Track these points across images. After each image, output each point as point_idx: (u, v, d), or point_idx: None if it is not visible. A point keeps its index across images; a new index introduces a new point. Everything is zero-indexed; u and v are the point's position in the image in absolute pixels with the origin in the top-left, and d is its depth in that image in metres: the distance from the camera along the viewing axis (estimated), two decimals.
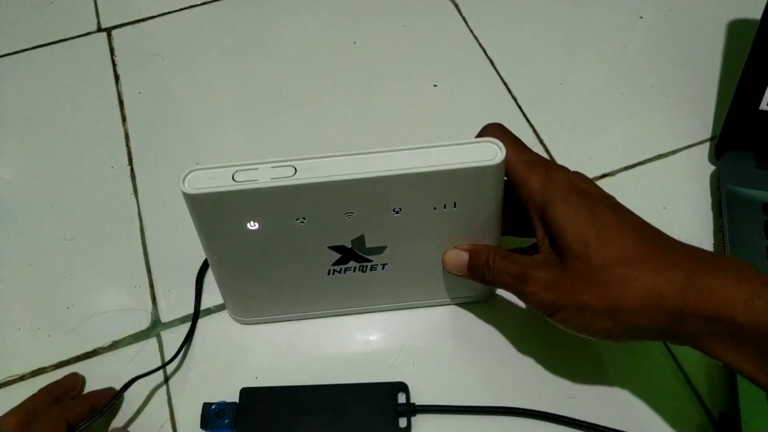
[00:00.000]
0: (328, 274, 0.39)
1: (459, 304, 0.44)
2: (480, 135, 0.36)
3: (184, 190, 0.33)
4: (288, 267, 0.38)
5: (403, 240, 0.37)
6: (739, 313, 0.29)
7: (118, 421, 0.40)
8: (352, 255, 0.38)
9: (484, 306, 0.44)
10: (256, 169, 0.33)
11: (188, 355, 0.42)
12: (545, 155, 0.50)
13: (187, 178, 0.34)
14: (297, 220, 0.35)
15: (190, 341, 0.43)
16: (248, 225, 0.35)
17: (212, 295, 0.44)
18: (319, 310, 0.43)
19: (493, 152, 0.33)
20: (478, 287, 0.43)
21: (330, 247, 0.37)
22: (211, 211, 0.34)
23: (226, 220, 0.35)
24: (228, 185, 0.33)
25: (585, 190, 0.34)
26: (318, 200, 0.34)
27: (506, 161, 0.34)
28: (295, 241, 0.36)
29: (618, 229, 0.32)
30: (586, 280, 0.32)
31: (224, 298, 0.43)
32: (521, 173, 0.35)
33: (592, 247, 0.32)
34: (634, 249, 0.31)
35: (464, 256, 0.38)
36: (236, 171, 0.33)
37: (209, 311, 0.44)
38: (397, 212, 0.35)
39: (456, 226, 0.37)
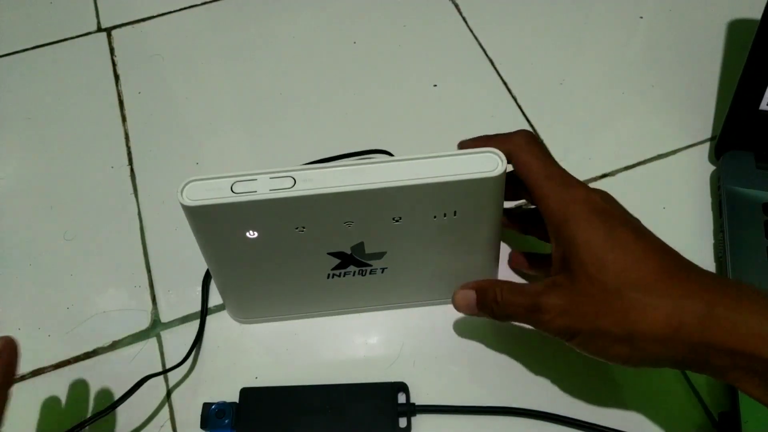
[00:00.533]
0: (328, 278, 0.39)
1: None
2: (507, 138, 0.36)
3: (183, 202, 0.33)
4: (287, 272, 0.39)
5: (402, 246, 0.37)
6: (763, 348, 0.28)
7: (120, 423, 0.40)
8: (352, 260, 0.38)
9: None
10: (255, 179, 0.33)
11: (188, 355, 0.42)
12: None
13: (185, 190, 0.33)
14: (296, 229, 0.35)
15: (200, 344, 0.43)
16: (247, 234, 0.35)
17: (212, 295, 0.44)
18: (318, 310, 0.43)
19: (494, 163, 0.33)
20: None
21: (329, 253, 0.37)
22: (210, 222, 0.34)
23: (224, 229, 0.35)
24: (227, 197, 0.33)
25: (607, 211, 0.33)
26: (317, 211, 0.34)
27: (528, 172, 0.34)
28: (295, 248, 0.36)
29: (637, 254, 0.31)
30: (602, 305, 0.31)
31: (223, 299, 0.43)
32: (542, 187, 0.34)
33: (609, 272, 0.31)
34: (653, 275, 0.31)
35: (471, 296, 0.37)
36: (235, 182, 0.33)
37: (209, 311, 0.44)
38: (397, 221, 0.35)
39: (456, 234, 0.37)
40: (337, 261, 0.38)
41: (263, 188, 0.33)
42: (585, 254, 0.32)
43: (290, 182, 0.33)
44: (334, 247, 0.37)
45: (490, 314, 0.36)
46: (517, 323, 0.35)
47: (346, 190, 0.33)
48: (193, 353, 0.42)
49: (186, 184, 0.33)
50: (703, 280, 0.31)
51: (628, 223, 0.33)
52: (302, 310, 0.43)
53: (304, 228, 0.35)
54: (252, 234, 0.35)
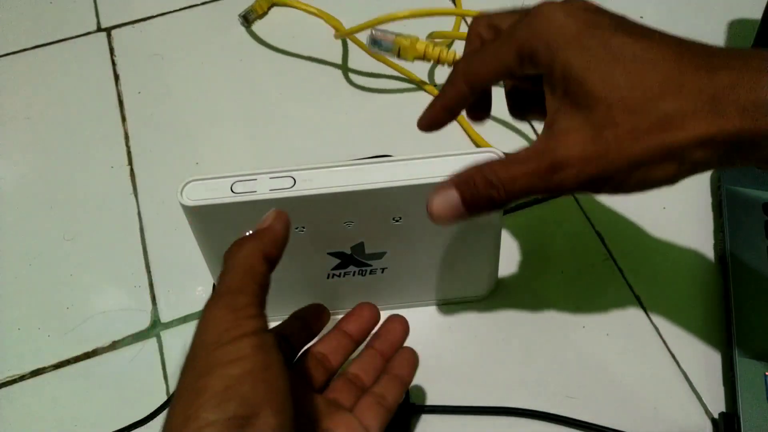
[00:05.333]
0: (328, 278, 0.39)
1: (459, 304, 0.44)
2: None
3: (183, 202, 0.33)
4: (287, 272, 0.38)
5: (402, 246, 0.37)
6: None
7: (120, 423, 0.40)
8: (352, 260, 0.38)
9: (484, 305, 0.43)
10: (255, 179, 0.33)
11: None
12: None
13: (185, 190, 0.34)
14: (296, 228, 0.35)
15: None
16: (246, 234, 0.35)
17: None
18: None
19: None
20: (478, 286, 0.43)
21: (329, 253, 0.37)
22: (210, 222, 0.34)
23: (224, 229, 0.35)
24: (226, 197, 0.33)
25: (593, 22, 0.28)
26: (317, 210, 0.34)
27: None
28: (295, 249, 0.36)
29: (649, 60, 0.27)
30: (633, 131, 0.26)
31: None
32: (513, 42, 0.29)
33: (625, 91, 0.26)
34: (676, 78, 0.26)
35: (452, 196, 0.29)
36: (235, 182, 0.33)
37: None
38: (397, 221, 0.35)
39: (456, 234, 0.37)
40: (337, 261, 0.38)
41: (263, 188, 0.33)
42: (592, 84, 0.27)
43: (290, 182, 0.33)
44: (334, 247, 0.37)
45: (488, 204, 0.29)
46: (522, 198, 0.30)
47: (346, 190, 0.33)
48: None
49: (186, 184, 0.33)
50: (733, 60, 0.26)
51: (620, 26, 0.29)
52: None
53: (304, 228, 0.35)
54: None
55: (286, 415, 0.25)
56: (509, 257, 0.45)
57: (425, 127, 0.34)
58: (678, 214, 0.47)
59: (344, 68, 0.56)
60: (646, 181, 0.28)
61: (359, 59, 0.56)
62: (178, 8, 0.60)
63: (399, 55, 0.50)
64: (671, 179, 0.28)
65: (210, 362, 0.25)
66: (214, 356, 0.25)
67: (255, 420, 0.24)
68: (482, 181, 0.29)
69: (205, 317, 0.26)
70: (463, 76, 0.32)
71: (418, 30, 0.51)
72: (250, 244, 0.29)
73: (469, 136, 0.51)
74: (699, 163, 0.27)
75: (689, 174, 0.28)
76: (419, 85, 0.55)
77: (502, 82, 0.35)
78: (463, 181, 0.29)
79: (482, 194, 0.29)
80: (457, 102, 0.33)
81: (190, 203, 0.33)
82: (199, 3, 0.61)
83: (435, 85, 0.54)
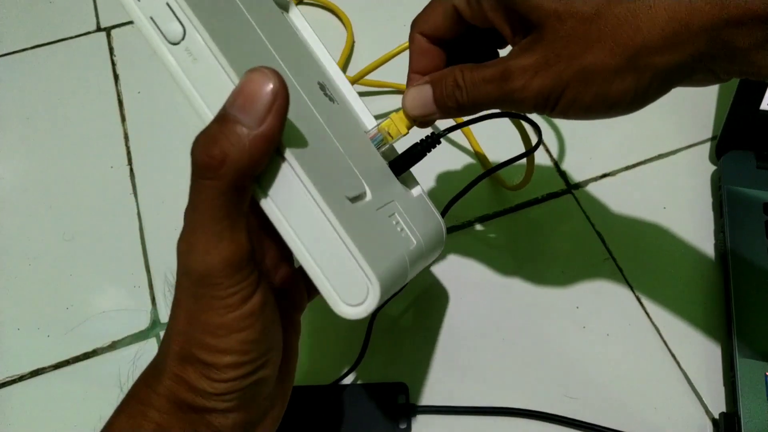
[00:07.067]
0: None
1: (460, 306, 0.44)
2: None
3: None
4: None
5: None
6: None
7: None
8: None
9: (484, 306, 0.43)
10: None
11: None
12: (545, 155, 0.50)
13: None
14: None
15: None
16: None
17: None
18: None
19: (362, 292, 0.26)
20: None
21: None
22: None
23: None
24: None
25: None
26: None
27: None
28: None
29: None
30: (584, 40, 0.25)
31: None
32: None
33: (578, 1, 0.25)
34: None
35: (426, 91, 0.30)
36: None
37: None
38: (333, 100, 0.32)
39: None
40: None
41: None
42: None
43: (178, 31, 0.25)
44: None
45: (454, 106, 0.30)
46: (487, 109, 0.30)
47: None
48: None
49: None
50: None
51: None
52: None
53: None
54: None
55: (280, 352, 0.29)
56: (509, 257, 0.45)
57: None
58: (678, 214, 0.47)
59: (346, 66, 0.56)
60: (605, 99, 0.26)
61: (360, 58, 0.56)
62: None
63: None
64: (632, 97, 0.26)
65: (223, 323, 0.27)
66: (228, 318, 0.27)
67: (266, 364, 0.27)
68: (451, 81, 0.29)
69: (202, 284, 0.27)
70: (416, 28, 0.32)
71: None
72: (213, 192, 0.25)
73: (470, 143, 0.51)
74: (661, 71, 0.25)
75: (653, 90, 0.26)
76: None
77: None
78: (437, 78, 0.30)
79: (449, 94, 0.29)
80: (429, 59, 0.32)
81: None
82: None
83: None
